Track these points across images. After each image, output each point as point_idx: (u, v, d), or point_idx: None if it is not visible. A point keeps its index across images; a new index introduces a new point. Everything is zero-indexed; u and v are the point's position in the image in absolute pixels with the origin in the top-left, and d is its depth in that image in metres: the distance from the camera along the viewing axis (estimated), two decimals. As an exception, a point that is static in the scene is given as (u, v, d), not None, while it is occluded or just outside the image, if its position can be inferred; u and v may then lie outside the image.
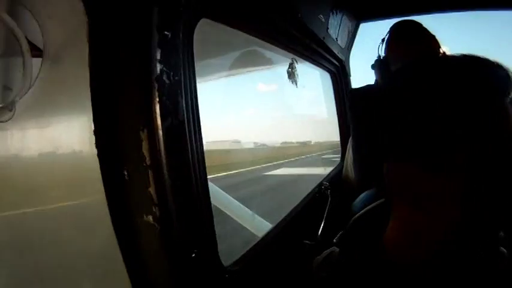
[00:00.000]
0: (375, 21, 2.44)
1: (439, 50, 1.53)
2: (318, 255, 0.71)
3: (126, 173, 0.55)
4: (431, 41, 1.54)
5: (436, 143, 0.51)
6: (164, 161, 0.53)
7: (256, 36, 1.20)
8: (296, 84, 1.59)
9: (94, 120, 0.54)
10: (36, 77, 0.58)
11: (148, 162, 0.52)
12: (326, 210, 1.27)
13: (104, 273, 0.67)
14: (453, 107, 0.51)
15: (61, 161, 0.64)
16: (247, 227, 1.42)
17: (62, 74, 0.60)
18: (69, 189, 0.64)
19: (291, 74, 1.58)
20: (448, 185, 0.51)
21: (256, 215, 1.46)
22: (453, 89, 0.51)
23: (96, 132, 0.54)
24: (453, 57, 0.57)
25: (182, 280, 0.61)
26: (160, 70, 0.52)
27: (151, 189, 0.52)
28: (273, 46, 1.40)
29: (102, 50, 0.53)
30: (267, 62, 1.65)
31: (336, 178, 1.90)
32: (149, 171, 0.52)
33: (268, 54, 1.57)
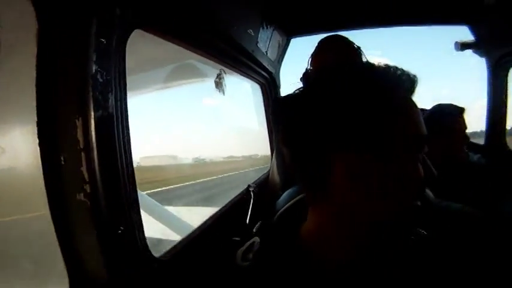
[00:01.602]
0: (305, 36, 2.65)
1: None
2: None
3: (62, 158, 0.66)
4: (355, 54, 1.69)
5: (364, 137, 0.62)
6: (95, 145, 0.65)
7: (187, 49, 1.32)
8: (223, 93, 1.73)
9: (37, 113, 0.65)
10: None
11: (81, 146, 0.63)
12: (250, 208, 1.42)
13: (40, 249, 0.77)
14: (355, 107, 0.62)
15: (6, 149, 0.75)
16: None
17: (10, 73, 0.71)
18: (10, 175, 0.75)
19: (218, 84, 1.72)
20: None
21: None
22: (355, 92, 0.63)
23: (38, 123, 0.66)
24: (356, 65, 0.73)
25: (109, 255, 0.71)
26: (95, 70, 0.65)
27: (83, 169, 0.64)
28: (205, 59, 1.53)
29: (49, 52, 0.64)
30: (202, 74, 1.78)
31: (263, 182, 2.05)
32: (82, 153, 0.64)
33: (202, 66, 1.71)
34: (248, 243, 0.77)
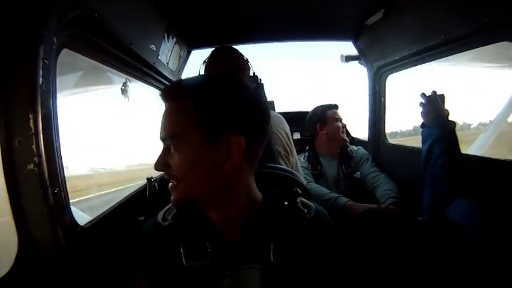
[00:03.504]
0: (205, 49, 2.98)
1: (248, 70, 1.98)
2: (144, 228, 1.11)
3: (17, 141, 0.99)
4: (242, 64, 1.97)
5: None
6: (40, 130, 1.00)
7: (99, 62, 1.67)
8: (128, 99, 2.06)
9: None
10: None
11: (33, 131, 0.98)
12: (147, 195, 1.76)
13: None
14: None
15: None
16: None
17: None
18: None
19: (124, 91, 2.05)
20: None
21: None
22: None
23: None
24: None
25: (49, 207, 1.04)
26: (42, 81, 1.00)
27: (34, 147, 0.99)
28: (114, 70, 1.85)
29: (6, 69, 0.99)
30: (112, 82, 2.07)
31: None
32: (33, 136, 0.99)
33: (111, 75, 2.01)
34: (167, 207, 1.11)
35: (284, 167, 1.56)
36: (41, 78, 1.00)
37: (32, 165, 1.00)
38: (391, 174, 2.82)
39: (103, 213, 1.52)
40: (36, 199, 1.02)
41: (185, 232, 1.04)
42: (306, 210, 1.09)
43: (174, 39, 2.47)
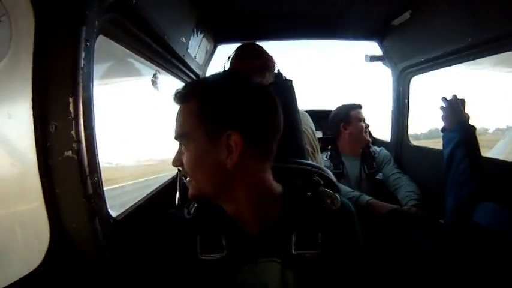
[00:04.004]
0: (230, 43, 2.99)
1: (273, 67, 1.99)
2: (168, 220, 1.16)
3: (53, 126, 0.94)
4: (267, 60, 2.00)
5: None
6: (81, 115, 0.94)
7: (132, 52, 1.64)
8: (158, 90, 2.04)
9: (33, 91, 0.94)
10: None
11: (72, 116, 0.93)
12: (178, 188, 1.73)
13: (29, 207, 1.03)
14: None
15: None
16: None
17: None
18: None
19: (154, 82, 2.02)
20: None
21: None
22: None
23: (33, 98, 0.94)
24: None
25: (87, 197, 0.99)
26: (83, 64, 0.96)
27: (73, 132, 0.93)
28: (145, 60, 1.83)
29: (44, 51, 0.94)
30: (140, 72, 2.05)
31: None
32: (72, 121, 0.93)
33: (141, 67, 2.00)
34: (188, 203, 1.14)
35: (313, 162, 1.53)
36: (82, 61, 0.95)
37: (69, 152, 0.95)
38: (413, 176, 2.79)
39: (134, 204, 1.49)
40: (72, 189, 0.97)
41: (203, 225, 1.08)
42: (329, 200, 1.08)
43: (202, 33, 2.47)
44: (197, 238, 1.06)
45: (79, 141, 0.95)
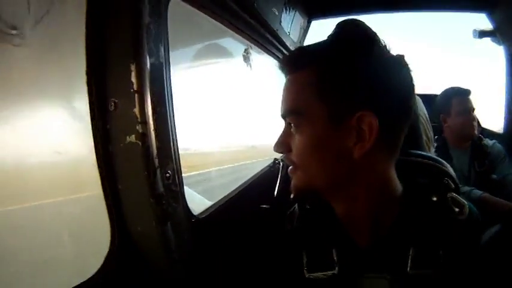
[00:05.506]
0: (325, 19, 2.75)
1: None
2: (274, 216, 0.95)
3: (112, 103, 0.74)
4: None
5: None
6: (148, 88, 0.73)
7: (216, 20, 1.39)
8: (251, 67, 1.83)
9: (87, 61, 0.74)
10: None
11: (135, 88, 0.71)
12: (278, 179, 1.51)
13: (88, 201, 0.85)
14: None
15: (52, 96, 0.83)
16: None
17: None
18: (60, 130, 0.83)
19: (246, 58, 1.82)
20: None
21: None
22: None
23: (88, 72, 0.74)
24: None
25: (157, 197, 0.78)
26: (149, 21, 0.73)
27: (136, 110, 0.72)
28: (232, 34, 1.61)
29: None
30: (228, 54, 1.87)
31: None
32: (136, 95, 0.72)
33: (229, 45, 1.82)
34: (289, 211, 0.94)
35: (434, 156, 1.24)
36: (147, 17, 0.71)
37: (133, 137, 0.74)
38: None
39: (221, 200, 1.28)
40: (138, 184, 0.77)
41: (309, 237, 0.88)
42: (457, 209, 0.86)
43: (295, 8, 2.22)
44: (302, 253, 0.86)
45: (144, 123, 0.73)
